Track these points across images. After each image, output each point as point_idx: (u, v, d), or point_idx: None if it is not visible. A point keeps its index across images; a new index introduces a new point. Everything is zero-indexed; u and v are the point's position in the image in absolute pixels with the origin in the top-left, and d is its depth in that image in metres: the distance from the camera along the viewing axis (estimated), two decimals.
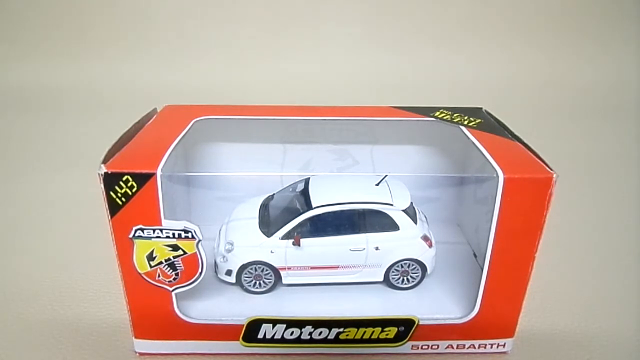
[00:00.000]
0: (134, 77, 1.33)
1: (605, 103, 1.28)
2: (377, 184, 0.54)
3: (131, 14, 1.36)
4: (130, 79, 1.33)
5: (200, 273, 0.46)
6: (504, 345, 0.50)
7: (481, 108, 0.58)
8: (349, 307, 0.52)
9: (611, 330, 0.54)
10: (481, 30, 1.37)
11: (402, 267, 0.54)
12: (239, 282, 0.54)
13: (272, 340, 0.49)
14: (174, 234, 0.43)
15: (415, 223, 0.54)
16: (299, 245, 0.52)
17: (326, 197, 0.53)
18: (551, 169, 0.42)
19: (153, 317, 0.47)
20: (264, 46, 1.36)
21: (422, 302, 0.53)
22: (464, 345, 0.50)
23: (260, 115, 0.54)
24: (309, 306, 0.52)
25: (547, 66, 1.36)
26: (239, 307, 0.52)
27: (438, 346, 0.50)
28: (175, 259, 0.44)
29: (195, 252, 0.44)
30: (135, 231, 0.42)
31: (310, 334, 0.49)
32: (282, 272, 0.53)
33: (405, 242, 0.53)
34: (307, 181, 0.56)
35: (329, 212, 0.52)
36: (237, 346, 0.49)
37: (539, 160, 0.44)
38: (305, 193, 0.54)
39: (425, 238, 0.54)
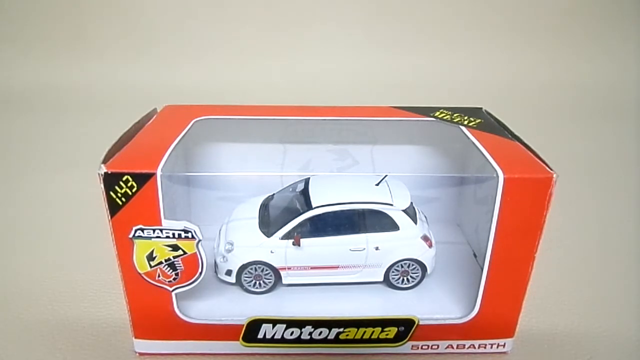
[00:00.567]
0: (134, 77, 1.33)
1: (605, 103, 1.28)
2: (377, 184, 0.54)
3: (131, 14, 1.36)
4: (130, 79, 1.33)
5: (200, 273, 0.46)
6: (504, 345, 0.50)
7: (481, 108, 0.58)
8: (349, 307, 0.52)
9: (611, 330, 0.54)
10: (481, 30, 1.37)
11: (402, 267, 0.54)
12: (239, 282, 0.54)
13: (272, 340, 0.49)
14: (174, 234, 0.43)
15: (415, 223, 0.54)
16: (299, 245, 0.52)
17: (326, 197, 0.53)
18: (551, 169, 0.42)
19: (153, 317, 0.47)
20: (264, 46, 1.36)
21: (422, 302, 0.53)
22: (464, 345, 0.50)
23: (260, 115, 0.54)
24: (309, 306, 0.52)
25: (547, 66, 1.36)
26: (239, 307, 0.52)
27: (438, 346, 0.50)
28: (175, 259, 0.44)
29: (195, 252, 0.44)
30: (135, 231, 0.42)
31: (310, 334, 0.49)
32: (282, 272, 0.53)
33: (405, 242, 0.53)
34: (307, 181, 0.56)
35: (329, 212, 0.52)
36: (237, 346, 0.49)
37: (539, 160, 0.44)
38: (305, 193, 0.54)
39: (425, 238, 0.54)
